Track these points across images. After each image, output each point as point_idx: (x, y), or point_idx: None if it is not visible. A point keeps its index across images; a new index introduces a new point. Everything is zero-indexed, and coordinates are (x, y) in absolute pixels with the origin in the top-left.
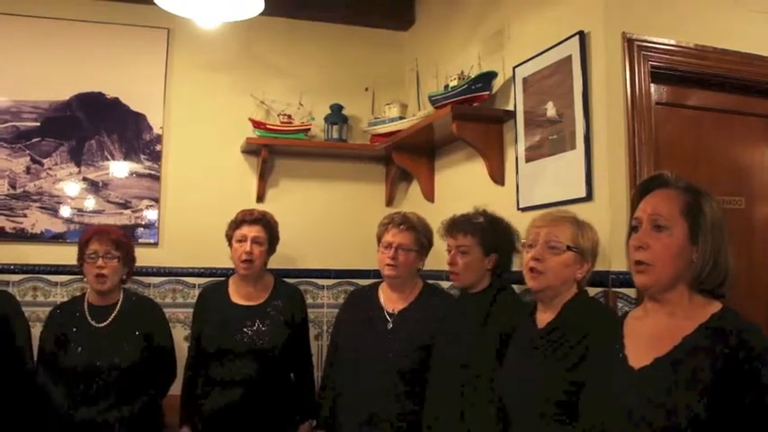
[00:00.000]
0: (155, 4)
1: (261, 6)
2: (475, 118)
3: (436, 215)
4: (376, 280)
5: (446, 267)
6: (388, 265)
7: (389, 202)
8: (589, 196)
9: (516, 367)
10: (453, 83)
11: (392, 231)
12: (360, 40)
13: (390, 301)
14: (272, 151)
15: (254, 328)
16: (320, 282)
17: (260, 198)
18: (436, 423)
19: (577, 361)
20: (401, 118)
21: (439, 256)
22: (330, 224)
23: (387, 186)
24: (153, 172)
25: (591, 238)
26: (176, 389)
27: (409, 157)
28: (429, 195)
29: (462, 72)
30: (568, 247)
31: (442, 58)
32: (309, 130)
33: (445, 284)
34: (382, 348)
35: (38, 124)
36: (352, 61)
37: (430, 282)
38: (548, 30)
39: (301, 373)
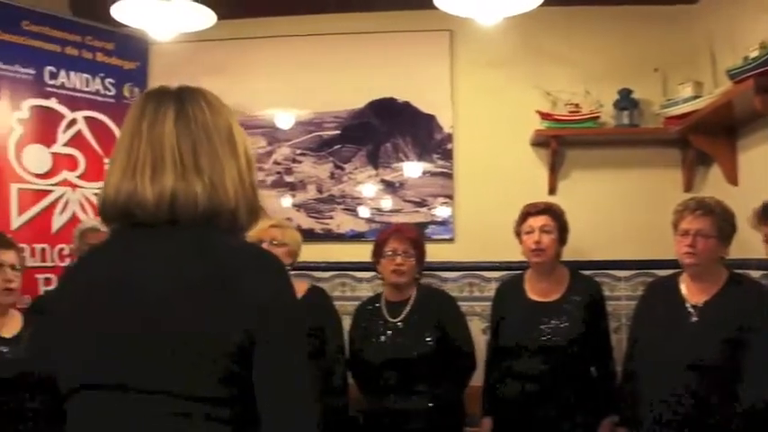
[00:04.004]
0: (435, 7)
1: None
2: None
3: (741, 199)
4: (675, 270)
5: (753, 255)
6: (686, 253)
7: (688, 188)
8: None
9: None
10: (754, 53)
11: (688, 218)
12: (642, 19)
13: (693, 293)
14: (562, 142)
15: (551, 324)
16: (616, 273)
17: (552, 191)
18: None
19: None
20: (696, 97)
21: (744, 245)
22: (624, 213)
23: (683, 171)
24: (445, 170)
25: None
26: (477, 380)
27: (707, 138)
28: (731, 178)
29: (763, 41)
30: None
31: (738, 27)
32: (599, 117)
33: (755, 274)
34: (686, 343)
35: (338, 132)
36: (636, 42)
37: (737, 271)
38: None
39: (602, 369)
